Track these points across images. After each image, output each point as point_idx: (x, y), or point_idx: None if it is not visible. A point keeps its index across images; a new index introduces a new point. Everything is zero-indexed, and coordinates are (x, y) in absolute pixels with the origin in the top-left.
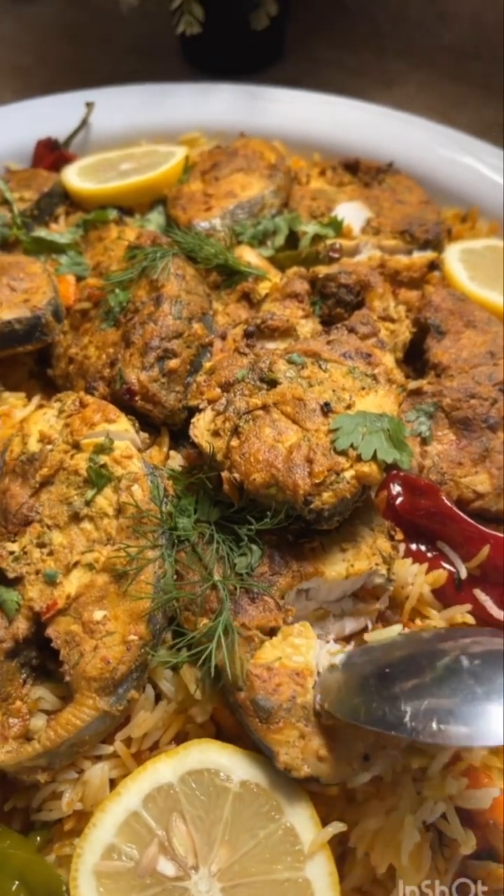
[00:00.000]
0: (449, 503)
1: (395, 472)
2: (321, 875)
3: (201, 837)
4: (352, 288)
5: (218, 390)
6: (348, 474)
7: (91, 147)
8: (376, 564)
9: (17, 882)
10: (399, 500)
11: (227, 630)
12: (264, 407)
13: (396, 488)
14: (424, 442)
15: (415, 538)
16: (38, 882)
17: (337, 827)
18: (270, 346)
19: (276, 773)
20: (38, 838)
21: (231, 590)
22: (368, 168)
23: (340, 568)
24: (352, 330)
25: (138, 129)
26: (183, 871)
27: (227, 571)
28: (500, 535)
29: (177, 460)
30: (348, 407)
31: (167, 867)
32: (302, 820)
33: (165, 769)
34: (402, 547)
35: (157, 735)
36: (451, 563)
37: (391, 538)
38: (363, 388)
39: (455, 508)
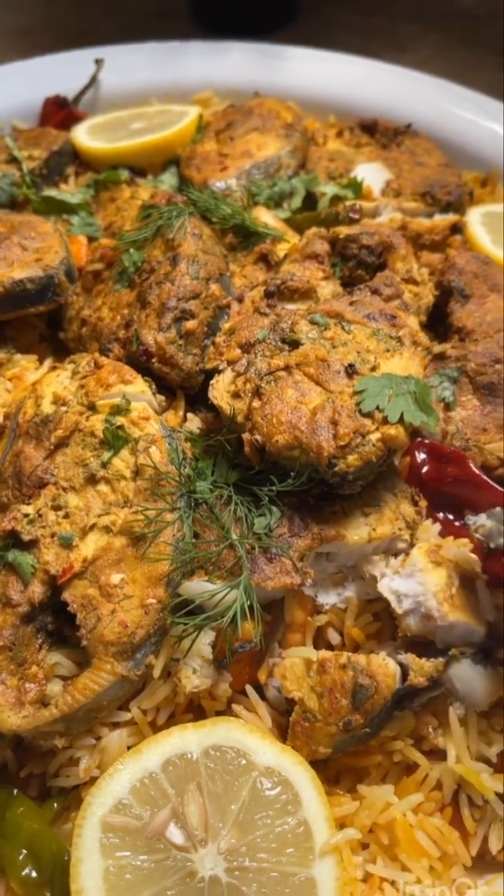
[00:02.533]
0: (477, 470)
1: (419, 439)
2: (328, 878)
3: (215, 813)
4: (374, 249)
5: (238, 351)
6: (374, 437)
7: (100, 106)
8: (399, 529)
9: (24, 851)
10: (425, 468)
11: (247, 590)
12: (286, 368)
13: (421, 456)
14: (448, 408)
15: (441, 507)
16: (46, 853)
17: (349, 834)
18: (291, 307)
19: (299, 765)
20: (56, 805)
21: (249, 549)
22: (386, 129)
23: (362, 532)
24: (375, 291)
25: (149, 87)
26: (191, 842)
27: (245, 531)
28: None
29: (194, 423)
30: (373, 369)
31: (176, 835)
32: (318, 819)
33: (191, 738)
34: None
35: (171, 707)
36: None
37: (414, 503)
38: (388, 351)
39: (483, 475)
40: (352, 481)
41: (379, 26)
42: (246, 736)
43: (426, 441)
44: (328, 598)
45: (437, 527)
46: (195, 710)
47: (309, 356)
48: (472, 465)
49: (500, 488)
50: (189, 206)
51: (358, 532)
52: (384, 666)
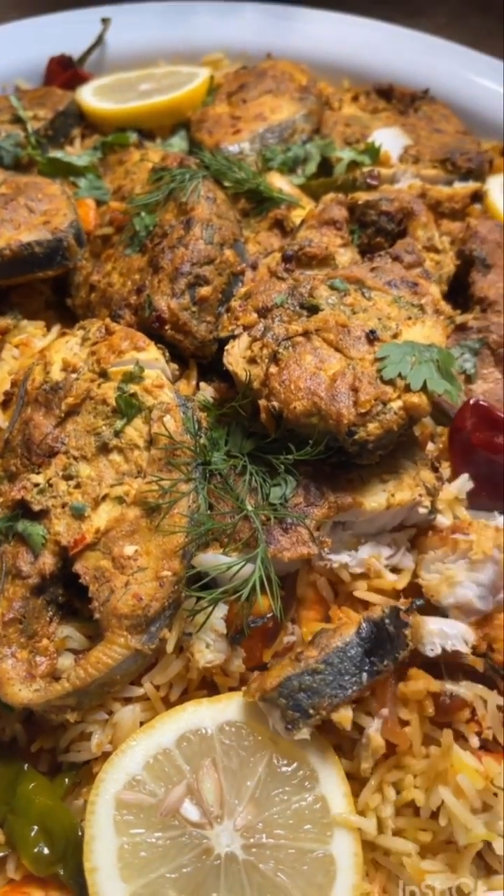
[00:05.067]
0: None
1: (473, 400)
2: (346, 854)
3: (231, 790)
4: (394, 216)
5: (254, 315)
6: (396, 405)
7: (107, 67)
8: (419, 496)
9: (36, 827)
10: (476, 433)
11: (264, 562)
12: (305, 333)
13: (472, 419)
14: (469, 380)
15: (480, 475)
16: (59, 829)
17: (364, 822)
18: (309, 273)
19: (316, 741)
20: (67, 780)
21: (264, 520)
22: (403, 95)
23: (381, 499)
24: (396, 258)
25: (157, 48)
26: (207, 819)
27: (261, 502)
28: None
29: (207, 393)
30: (395, 336)
31: (192, 812)
32: (336, 795)
33: (206, 714)
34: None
35: (184, 683)
36: None
37: (434, 470)
38: (410, 318)
39: None
40: (371, 450)
41: None
42: (261, 712)
43: (481, 403)
44: (340, 558)
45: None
46: (208, 686)
47: (328, 322)
48: None
49: None
50: (202, 170)
51: (376, 499)
52: (348, 613)
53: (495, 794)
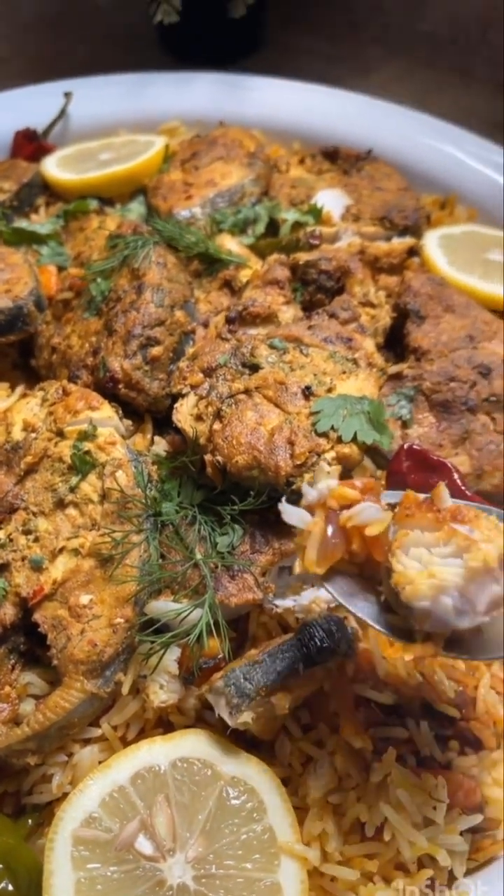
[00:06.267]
0: (460, 482)
1: (408, 445)
2: (293, 881)
3: (183, 824)
4: (332, 274)
5: (201, 375)
6: (329, 456)
7: (70, 137)
8: None
9: (1, 866)
10: (412, 475)
11: (211, 608)
12: (246, 391)
13: (407, 463)
14: (405, 425)
15: None
16: (22, 868)
17: (309, 852)
18: (252, 332)
19: (264, 773)
20: (30, 821)
21: (213, 568)
22: (348, 156)
23: None
24: (332, 315)
25: (118, 119)
26: (160, 852)
27: (209, 550)
28: None
29: (161, 446)
30: (329, 390)
31: (145, 845)
32: (283, 825)
33: (159, 751)
34: None
35: (141, 723)
36: None
37: None
38: (344, 372)
39: (465, 488)
40: None
41: (344, 51)
42: (212, 747)
43: (415, 447)
44: (285, 603)
45: None
46: (165, 725)
47: (268, 379)
48: (456, 479)
49: (477, 501)
50: (154, 236)
51: None
52: (290, 611)
53: (434, 808)
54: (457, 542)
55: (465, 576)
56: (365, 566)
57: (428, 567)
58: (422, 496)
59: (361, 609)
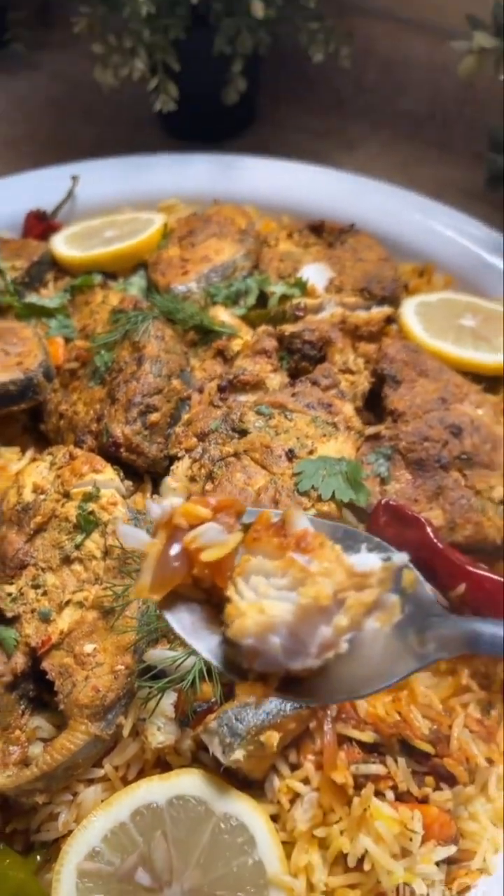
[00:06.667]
0: (434, 537)
1: (385, 500)
2: None
3: (179, 857)
4: (315, 344)
5: (195, 440)
6: (311, 513)
7: (77, 216)
8: None
9: None
10: (388, 529)
11: None
12: (236, 454)
13: (384, 518)
14: (383, 482)
15: None
16: None
17: (295, 883)
18: (242, 398)
19: (255, 810)
20: (38, 857)
21: None
22: (332, 229)
23: None
24: (314, 382)
25: (121, 197)
26: (158, 884)
27: None
28: (480, 572)
29: None
30: (311, 452)
31: (144, 878)
32: (271, 858)
33: (157, 790)
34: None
35: (140, 763)
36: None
37: None
38: (324, 435)
39: (438, 542)
40: None
41: (330, 127)
42: (206, 786)
43: (391, 503)
44: None
45: None
46: (162, 765)
47: (255, 443)
48: (429, 532)
49: (451, 556)
50: (153, 310)
51: None
52: None
53: (410, 839)
54: (293, 573)
55: (295, 613)
56: (212, 592)
57: (261, 599)
58: (275, 517)
59: (203, 640)
